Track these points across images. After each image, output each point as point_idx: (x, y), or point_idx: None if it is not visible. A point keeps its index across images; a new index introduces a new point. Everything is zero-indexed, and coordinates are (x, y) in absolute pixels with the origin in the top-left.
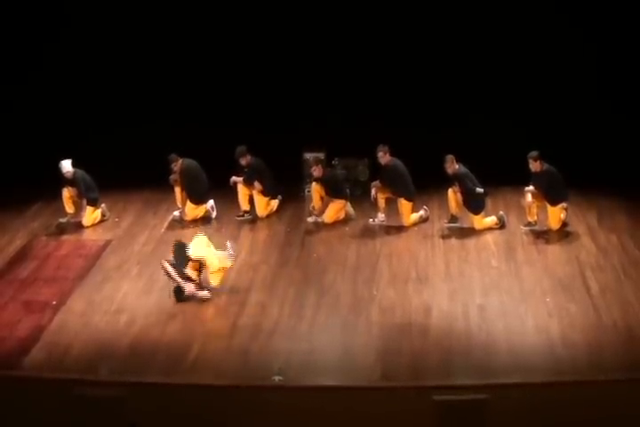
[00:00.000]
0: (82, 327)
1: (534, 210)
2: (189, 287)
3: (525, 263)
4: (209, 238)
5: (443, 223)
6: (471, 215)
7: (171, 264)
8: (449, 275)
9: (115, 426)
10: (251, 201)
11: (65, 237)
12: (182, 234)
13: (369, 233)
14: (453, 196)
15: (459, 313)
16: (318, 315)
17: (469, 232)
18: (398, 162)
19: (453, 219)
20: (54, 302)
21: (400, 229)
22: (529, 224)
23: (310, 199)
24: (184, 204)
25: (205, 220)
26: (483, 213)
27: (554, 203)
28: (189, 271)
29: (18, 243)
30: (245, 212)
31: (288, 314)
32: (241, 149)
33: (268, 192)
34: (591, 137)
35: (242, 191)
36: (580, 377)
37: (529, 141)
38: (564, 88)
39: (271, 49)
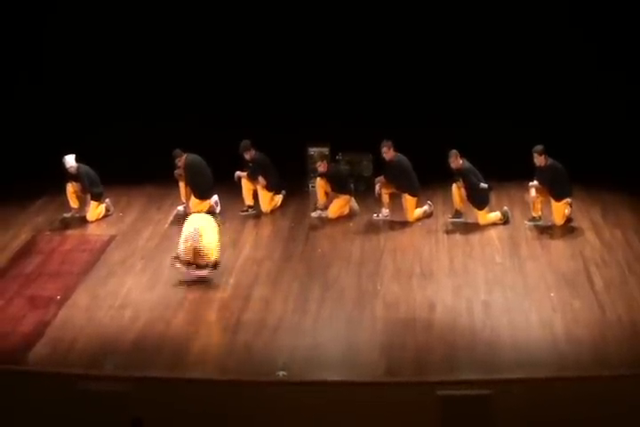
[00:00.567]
0: (86, 322)
1: (538, 205)
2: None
3: (529, 259)
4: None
5: (447, 218)
6: (475, 210)
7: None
8: (453, 270)
9: (119, 421)
10: (255, 196)
11: (69, 232)
12: None
13: (373, 228)
14: (457, 191)
15: (463, 308)
16: (322, 310)
17: (473, 227)
18: (402, 157)
19: (457, 214)
20: (58, 297)
21: (404, 224)
22: (533, 219)
23: (314, 194)
24: (188, 199)
25: (211, 214)
26: (487, 209)
27: (558, 198)
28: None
29: (22, 238)
30: (249, 207)
31: (292, 309)
32: (245, 143)
33: (272, 187)
34: (596, 132)
35: (246, 186)
36: (585, 373)
37: (533, 136)
38: (569, 83)
39: (276, 43)
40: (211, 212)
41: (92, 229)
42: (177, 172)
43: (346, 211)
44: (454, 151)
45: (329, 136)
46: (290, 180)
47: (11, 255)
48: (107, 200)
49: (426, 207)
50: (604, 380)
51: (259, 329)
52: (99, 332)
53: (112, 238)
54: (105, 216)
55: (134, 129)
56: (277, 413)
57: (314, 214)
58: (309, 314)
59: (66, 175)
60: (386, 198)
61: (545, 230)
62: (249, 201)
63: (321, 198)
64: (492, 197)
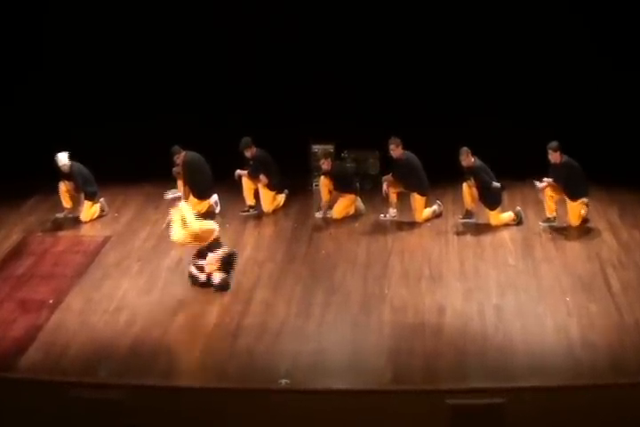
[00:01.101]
0: (80, 327)
1: (553, 205)
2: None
3: (544, 261)
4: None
5: (457, 219)
6: (487, 211)
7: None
8: (464, 273)
9: None
10: (256, 195)
11: (62, 232)
12: None
13: (380, 229)
14: (468, 190)
15: (474, 313)
16: (327, 314)
17: (485, 228)
18: (411, 155)
19: (468, 214)
20: (51, 301)
21: (412, 224)
22: (548, 220)
23: (318, 194)
24: (187, 198)
25: (209, 215)
26: (499, 209)
27: (574, 198)
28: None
29: (13, 239)
30: (250, 207)
31: (295, 313)
32: (246, 140)
33: (275, 186)
34: (613, 129)
35: (247, 185)
36: (601, 380)
37: (548, 133)
38: (587, 79)
39: (277, 35)
40: (210, 212)
41: (85, 230)
42: (175, 169)
43: (351, 211)
44: (465, 148)
45: (334, 133)
46: (293, 178)
47: (1, 257)
48: (101, 199)
49: (435, 207)
50: (622, 387)
51: (260, 334)
52: (93, 337)
53: (107, 239)
54: (99, 216)
55: (130, 125)
56: (279, 423)
57: (318, 214)
58: (313, 318)
59: (58, 174)
60: (393, 198)
61: (560, 231)
62: (250, 201)
63: (325, 198)
64: (505, 197)
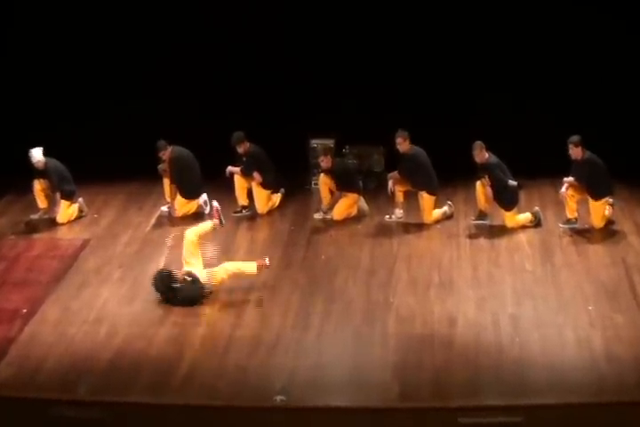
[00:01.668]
0: (56, 339)
1: (574, 205)
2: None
3: (564, 267)
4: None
5: (470, 221)
6: (502, 211)
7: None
8: (476, 280)
9: None
10: (249, 195)
11: (37, 235)
12: (171, 233)
13: (385, 231)
14: (482, 189)
15: (488, 323)
16: (327, 325)
17: (500, 231)
18: (419, 150)
19: (482, 215)
20: (25, 310)
21: (421, 227)
22: (568, 222)
23: (318, 193)
24: (173, 198)
25: (197, 217)
26: (516, 209)
27: (597, 197)
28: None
29: None
30: (243, 207)
31: (292, 324)
32: (238, 135)
33: (270, 185)
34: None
35: (239, 184)
36: (627, 397)
37: (569, 126)
38: (609, 68)
39: (274, 25)
40: (199, 213)
41: (62, 233)
42: (161, 167)
43: (353, 212)
44: (479, 143)
45: (334, 126)
46: (289, 176)
47: None
48: (79, 199)
49: (446, 208)
50: None
51: (253, 347)
52: (70, 350)
53: (86, 243)
54: (77, 218)
55: (112, 118)
56: None
57: (317, 216)
58: (312, 329)
59: (32, 171)
60: (400, 197)
61: (582, 234)
62: (243, 200)
63: (325, 198)
64: (522, 197)
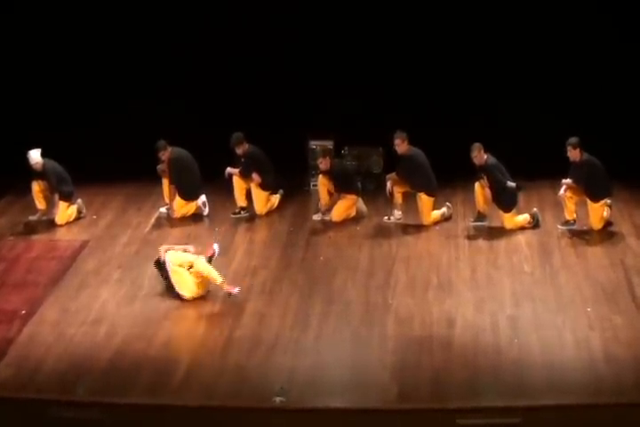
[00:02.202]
0: (55, 340)
1: (573, 207)
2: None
3: (563, 268)
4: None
5: (468, 222)
6: (501, 213)
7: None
8: (475, 281)
9: None
10: (248, 196)
11: (35, 236)
12: (170, 234)
13: (383, 233)
14: (481, 190)
15: (486, 325)
16: (325, 326)
17: (499, 232)
18: (418, 151)
19: (480, 217)
20: (24, 311)
21: (419, 228)
22: (567, 223)
23: (316, 194)
24: (172, 199)
25: (196, 218)
26: (514, 211)
27: (595, 198)
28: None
29: None
30: (242, 208)
31: (291, 325)
32: (237, 136)
33: (268, 186)
34: (638, 124)
35: (238, 185)
36: (626, 398)
37: (568, 128)
38: (608, 69)
39: (272, 25)
40: (197, 214)
41: (61, 234)
42: (160, 167)
43: (352, 213)
44: (478, 145)
45: (333, 128)
46: (288, 178)
47: None
48: (78, 200)
49: (444, 209)
50: None
51: (252, 348)
52: (69, 351)
53: (84, 244)
54: (76, 219)
55: (111, 120)
56: None
57: (315, 217)
58: (310, 330)
59: (31, 172)
60: (398, 198)
61: (580, 236)
62: (242, 202)
63: (323, 199)
64: (521, 198)
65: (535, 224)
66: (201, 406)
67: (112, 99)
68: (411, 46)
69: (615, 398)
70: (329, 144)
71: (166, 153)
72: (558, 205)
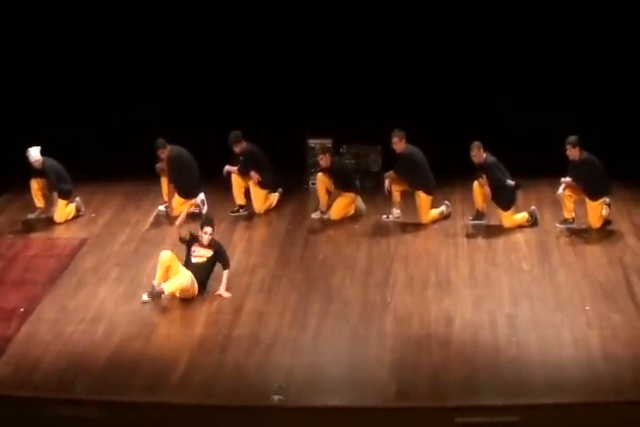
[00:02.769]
0: (53, 338)
1: (571, 205)
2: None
3: (561, 266)
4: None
5: (467, 220)
6: (500, 211)
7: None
8: (474, 279)
9: None
10: (247, 194)
11: (34, 234)
12: (168, 232)
13: (382, 231)
14: (480, 189)
15: (485, 323)
16: (324, 324)
17: (497, 231)
18: (416, 149)
19: (479, 215)
20: (22, 310)
21: (418, 226)
22: (566, 222)
23: (315, 193)
24: (171, 197)
25: (195, 216)
26: (513, 209)
27: (594, 197)
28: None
29: None
30: (241, 207)
31: (289, 324)
32: (235, 134)
33: (267, 184)
34: (637, 122)
35: (237, 183)
36: (624, 397)
37: (567, 126)
38: (607, 68)
39: (270, 23)
40: (197, 213)
41: (60, 232)
42: (159, 166)
43: (351, 211)
44: (477, 143)
45: (332, 126)
46: (287, 176)
47: None
48: (77, 198)
49: (443, 208)
50: None
51: (250, 347)
52: (68, 349)
53: (83, 242)
54: (75, 217)
55: (110, 118)
56: None
57: (314, 215)
58: (309, 329)
59: (30, 170)
60: (397, 197)
61: (579, 234)
62: (240, 200)
63: (322, 197)
64: (519, 196)
65: (533, 222)
66: (199, 405)
67: (111, 97)
68: (410, 45)
69: (613, 397)
70: (327, 142)
71: (165, 151)
72: (557, 204)
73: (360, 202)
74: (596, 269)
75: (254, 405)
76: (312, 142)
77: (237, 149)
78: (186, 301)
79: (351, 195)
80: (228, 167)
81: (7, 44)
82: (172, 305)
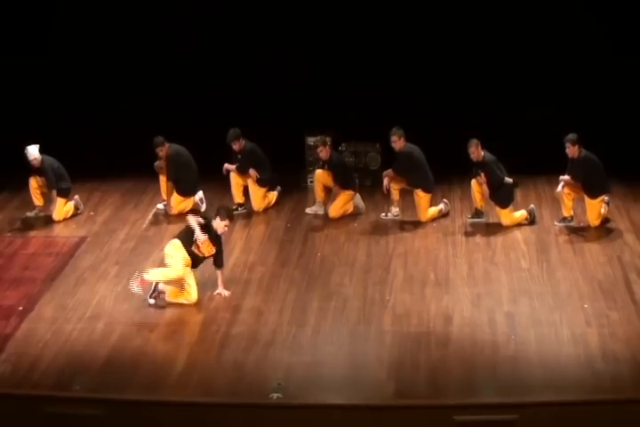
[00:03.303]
0: (52, 336)
1: (570, 203)
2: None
3: (560, 265)
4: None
5: (465, 218)
6: (498, 209)
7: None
8: (472, 278)
9: None
10: (245, 192)
11: (33, 233)
12: (167, 230)
13: (381, 229)
14: (478, 187)
15: (483, 321)
16: (323, 322)
17: (496, 229)
18: (414, 148)
19: (478, 213)
20: (21, 308)
21: (416, 224)
22: (564, 220)
23: (313, 190)
24: (170, 195)
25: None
26: (511, 207)
27: (593, 195)
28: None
29: None
30: (239, 205)
31: (288, 322)
32: (234, 132)
33: (266, 182)
34: (636, 120)
35: (235, 181)
36: (623, 395)
37: (566, 124)
38: (606, 67)
39: (269, 21)
40: (196, 210)
41: (58, 230)
42: (158, 164)
43: (349, 209)
44: (475, 141)
45: (331, 124)
46: (286, 174)
47: None
48: (75, 197)
49: (441, 206)
50: None
51: (249, 345)
52: (67, 347)
53: (82, 240)
54: (74, 215)
55: (108, 116)
56: None
57: (309, 210)
58: (308, 327)
59: (28, 168)
60: (395, 195)
61: (578, 232)
62: (239, 198)
63: (318, 195)
64: (518, 194)
65: (532, 220)
66: (198, 403)
67: (110, 95)
68: (409, 43)
69: (612, 394)
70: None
71: (164, 149)
72: (556, 202)
73: (359, 200)
74: (594, 267)
75: (253, 403)
76: (311, 140)
77: (236, 146)
78: (184, 298)
79: (350, 193)
80: (226, 165)
81: (7, 43)
82: (170, 303)
